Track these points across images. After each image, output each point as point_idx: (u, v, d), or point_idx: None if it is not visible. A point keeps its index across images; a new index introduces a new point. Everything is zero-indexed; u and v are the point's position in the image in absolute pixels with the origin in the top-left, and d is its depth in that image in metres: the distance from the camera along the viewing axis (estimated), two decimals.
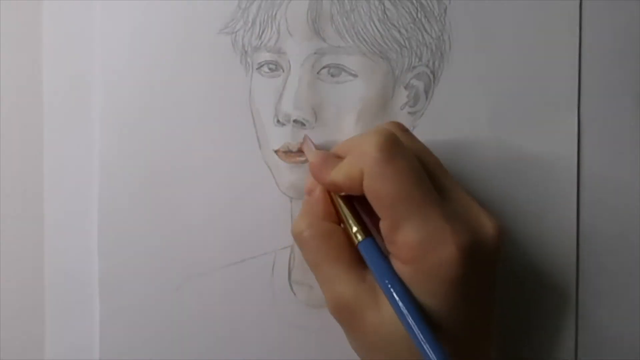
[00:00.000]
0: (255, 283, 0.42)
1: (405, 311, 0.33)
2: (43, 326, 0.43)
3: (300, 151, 0.41)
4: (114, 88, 0.42)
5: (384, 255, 0.35)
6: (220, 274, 0.42)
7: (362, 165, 0.35)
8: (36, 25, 0.43)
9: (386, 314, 0.34)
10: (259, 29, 0.41)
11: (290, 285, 0.42)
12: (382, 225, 0.35)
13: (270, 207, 0.42)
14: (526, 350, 0.42)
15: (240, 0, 0.42)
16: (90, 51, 0.43)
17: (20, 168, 0.43)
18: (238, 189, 0.42)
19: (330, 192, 0.38)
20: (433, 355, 0.32)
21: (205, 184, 0.42)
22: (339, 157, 0.37)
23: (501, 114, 0.42)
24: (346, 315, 0.36)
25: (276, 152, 0.42)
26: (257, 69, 0.42)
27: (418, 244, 0.33)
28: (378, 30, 0.41)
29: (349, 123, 0.41)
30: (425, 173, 0.35)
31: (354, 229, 0.36)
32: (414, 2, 0.41)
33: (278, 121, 0.41)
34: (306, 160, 0.41)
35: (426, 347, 0.32)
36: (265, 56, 0.41)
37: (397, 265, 0.34)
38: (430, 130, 0.42)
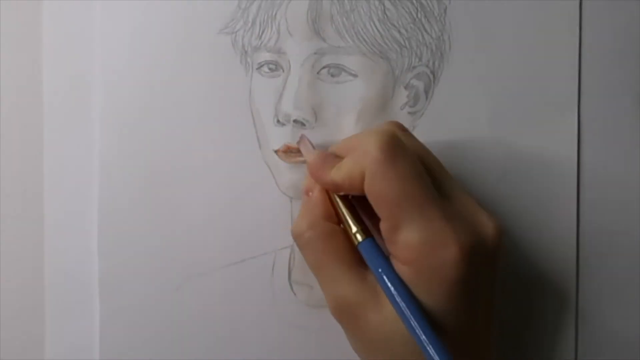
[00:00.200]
0: (255, 283, 0.42)
1: (406, 311, 0.33)
2: (43, 326, 0.43)
3: (299, 151, 0.41)
4: (114, 88, 0.42)
5: (385, 256, 0.35)
6: (220, 274, 0.42)
7: (364, 165, 0.35)
8: (36, 25, 0.43)
9: (387, 314, 0.34)
10: (259, 29, 0.41)
11: (290, 285, 0.42)
12: (383, 225, 0.35)
13: (270, 207, 0.42)
14: (526, 350, 0.42)
15: (240, 0, 0.42)
16: (90, 51, 0.43)
17: (20, 168, 0.43)
18: (238, 189, 0.42)
19: (329, 192, 0.38)
20: (436, 355, 0.32)
21: (205, 184, 0.42)
22: (338, 157, 0.37)
23: (501, 114, 0.42)
24: (347, 316, 0.36)
25: (276, 152, 0.41)
26: (257, 69, 0.42)
27: (419, 245, 0.33)
28: (378, 30, 0.41)
29: (349, 123, 0.41)
30: (427, 174, 0.35)
31: (354, 229, 0.36)
32: (414, 2, 0.41)
33: (278, 121, 0.41)
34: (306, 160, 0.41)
35: (429, 347, 0.32)
36: (265, 56, 0.41)
37: (398, 266, 0.34)
38: (430, 130, 0.42)
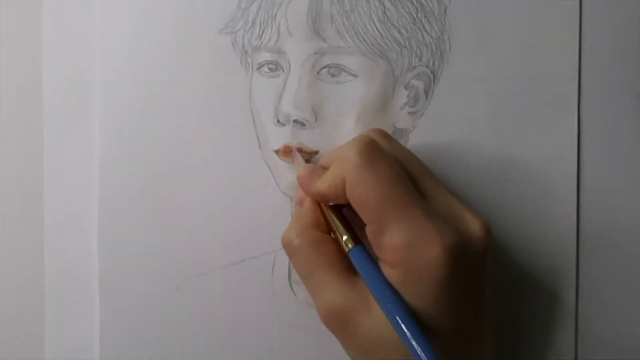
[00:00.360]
0: (255, 283, 0.42)
1: (396, 317, 0.33)
2: (43, 326, 0.43)
3: (299, 151, 0.41)
4: (114, 88, 0.42)
5: (374, 262, 0.35)
6: (220, 274, 0.42)
7: (344, 173, 0.35)
8: (36, 25, 0.43)
9: (377, 319, 0.34)
10: (259, 29, 0.41)
11: (290, 285, 0.42)
12: (368, 230, 0.35)
13: (270, 207, 0.42)
14: (526, 350, 0.42)
15: (240, 0, 0.42)
16: (90, 51, 0.43)
17: (20, 168, 0.43)
18: (238, 189, 0.42)
19: (320, 203, 0.38)
20: (425, 357, 0.32)
21: (205, 184, 0.42)
22: (325, 168, 0.37)
23: (501, 114, 0.42)
24: (338, 323, 0.36)
25: (276, 152, 0.42)
26: (257, 69, 0.42)
27: (404, 246, 0.33)
28: (378, 30, 0.41)
29: (349, 123, 0.41)
30: (408, 176, 0.35)
31: (344, 237, 0.36)
32: (414, 2, 0.41)
33: (278, 121, 0.41)
34: (306, 160, 0.41)
35: (419, 352, 0.32)
36: (265, 56, 0.41)
37: (386, 270, 0.34)
38: (430, 130, 0.42)
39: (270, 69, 0.42)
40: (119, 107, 0.42)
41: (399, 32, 0.41)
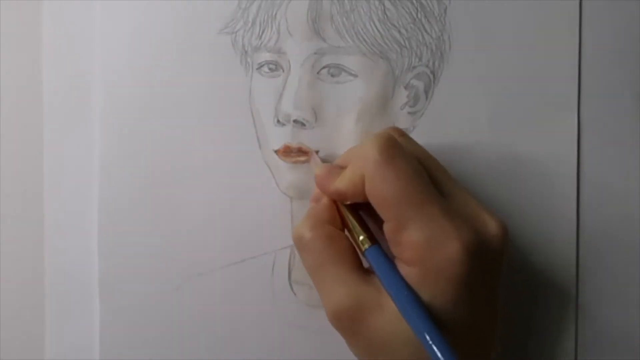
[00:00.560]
0: (255, 283, 0.42)
1: (414, 316, 0.33)
2: (43, 326, 0.43)
3: (300, 151, 0.41)
4: (114, 88, 0.42)
5: (392, 262, 0.35)
6: (220, 274, 0.42)
7: (363, 170, 0.35)
8: (36, 25, 0.43)
9: (390, 316, 0.34)
10: (259, 29, 0.41)
11: (290, 285, 0.42)
12: (386, 227, 0.35)
13: (270, 207, 0.42)
14: (526, 350, 0.42)
15: (240, 0, 0.42)
16: (90, 51, 0.43)
17: (20, 168, 0.43)
18: (238, 189, 0.42)
19: (337, 202, 0.38)
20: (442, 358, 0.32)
21: (205, 184, 0.42)
22: (342, 168, 0.37)
23: (501, 114, 0.42)
24: (347, 320, 0.35)
25: (276, 152, 0.41)
26: (257, 69, 0.42)
27: (423, 244, 0.33)
28: (378, 30, 0.41)
29: (349, 123, 0.41)
30: (426, 173, 0.35)
31: (361, 237, 0.36)
32: (414, 2, 0.41)
33: (278, 121, 0.41)
34: (306, 160, 0.41)
35: (437, 352, 0.32)
36: (265, 56, 0.41)
37: (403, 268, 0.34)
38: (430, 130, 0.42)
39: (270, 69, 0.42)
40: (119, 107, 0.42)
41: (399, 32, 0.41)
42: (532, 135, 0.42)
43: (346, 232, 0.38)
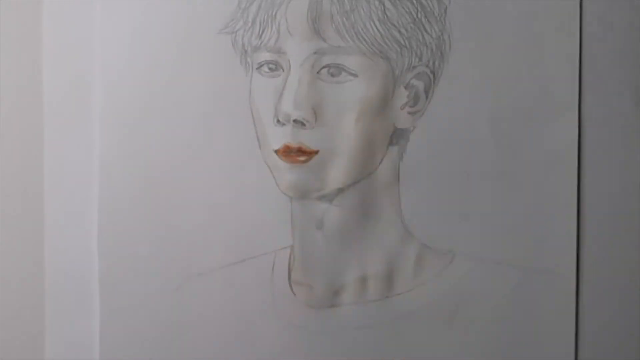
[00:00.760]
0: (255, 283, 0.42)
1: None
2: (43, 326, 0.43)
3: (299, 151, 0.41)
4: (114, 88, 0.42)
5: None
6: (220, 274, 0.42)
7: None
8: (36, 25, 0.43)
9: None
10: (259, 29, 0.41)
11: (290, 285, 0.42)
12: None
13: (270, 207, 0.42)
14: (526, 350, 0.42)
15: (240, 0, 0.42)
16: (90, 51, 0.43)
17: (20, 168, 0.43)
18: (238, 189, 0.42)
19: None
20: None
21: (205, 184, 0.42)
22: None
23: (501, 114, 0.42)
24: None
25: (276, 152, 0.41)
26: (257, 68, 0.42)
27: None
28: (378, 30, 0.41)
29: (349, 123, 0.41)
30: None
31: None
32: (414, 2, 0.41)
33: (278, 121, 0.41)
34: (306, 160, 0.41)
35: None
36: (265, 56, 0.41)
37: None
38: (430, 130, 0.42)
39: (270, 68, 0.41)
40: (119, 107, 0.42)
41: (399, 32, 0.41)
42: (532, 135, 0.42)
43: None
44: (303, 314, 0.42)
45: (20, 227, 0.43)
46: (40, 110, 0.43)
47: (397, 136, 0.41)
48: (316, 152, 0.41)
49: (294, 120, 0.41)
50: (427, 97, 0.42)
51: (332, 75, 0.41)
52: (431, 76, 0.42)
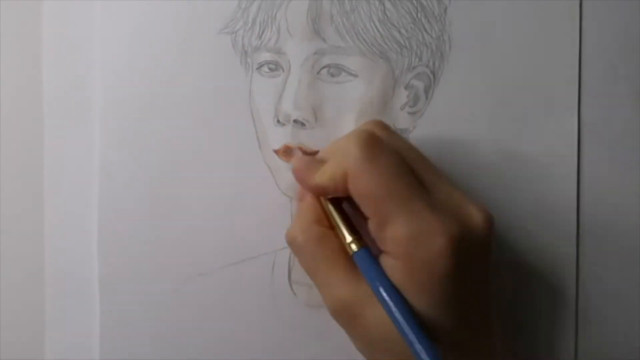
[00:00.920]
0: (255, 283, 0.42)
1: (403, 323, 0.33)
2: (43, 326, 0.43)
3: (299, 151, 0.41)
4: (114, 88, 0.42)
5: (378, 266, 0.35)
6: (220, 274, 0.42)
7: (346, 166, 0.35)
8: (36, 25, 0.43)
9: (384, 311, 0.34)
10: (259, 29, 0.41)
11: (290, 285, 0.42)
12: (370, 223, 0.35)
13: (270, 207, 0.42)
14: (526, 350, 0.42)
15: (240, 0, 0.42)
16: (90, 51, 0.43)
17: (20, 168, 0.43)
18: (238, 189, 0.42)
19: (319, 197, 0.38)
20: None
21: (205, 184, 0.42)
22: (322, 162, 0.37)
23: (501, 114, 0.42)
24: (347, 317, 0.36)
25: (276, 152, 0.41)
26: (257, 69, 0.42)
27: (407, 238, 0.33)
28: (378, 31, 0.41)
29: (349, 123, 0.41)
30: (409, 168, 0.35)
31: (348, 239, 0.36)
32: (414, 2, 0.41)
33: (278, 121, 0.41)
34: None
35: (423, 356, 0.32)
36: (265, 56, 0.41)
37: (389, 262, 0.34)
38: (430, 130, 0.42)
39: (270, 69, 0.42)
40: (119, 107, 0.42)
41: (399, 32, 0.41)
42: (532, 135, 0.42)
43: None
44: (303, 314, 0.42)
45: (20, 227, 0.43)
46: (40, 110, 0.43)
47: None
48: (316, 152, 0.41)
49: (294, 121, 0.41)
50: (427, 98, 0.42)
51: (332, 75, 0.41)
52: (431, 76, 0.42)
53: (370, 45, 0.41)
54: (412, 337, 0.32)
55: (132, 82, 0.42)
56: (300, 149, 0.41)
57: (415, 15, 0.41)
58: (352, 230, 0.37)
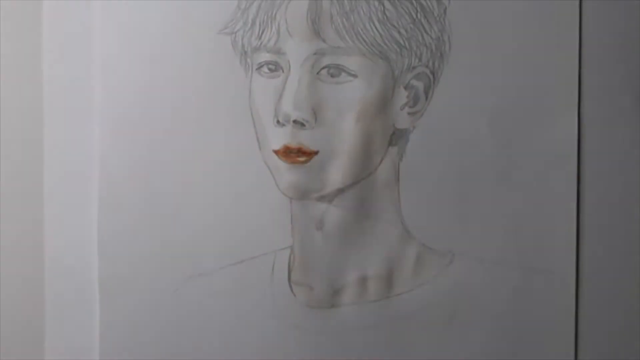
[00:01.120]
0: (255, 283, 0.42)
1: None
2: (43, 326, 0.43)
3: (299, 151, 0.41)
4: (114, 88, 0.42)
5: None
6: (220, 274, 0.42)
7: None
8: (36, 25, 0.43)
9: None
10: (259, 30, 0.41)
11: (290, 285, 0.42)
12: None
13: (270, 207, 0.42)
14: (526, 350, 0.42)
15: (240, 0, 0.42)
16: (90, 51, 0.43)
17: (20, 168, 0.43)
18: (238, 189, 0.42)
19: None
20: None
21: (205, 185, 0.42)
22: None
23: (501, 113, 0.42)
24: None
25: (276, 152, 0.41)
26: (256, 69, 0.42)
27: None
28: (378, 31, 0.41)
29: (348, 123, 0.41)
30: None
31: None
32: (414, 2, 0.41)
33: (278, 122, 0.41)
34: (306, 161, 0.41)
35: None
36: (265, 56, 0.41)
37: None
38: (430, 130, 0.42)
39: (270, 69, 0.41)
40: (118, 107, 0.42)
41: (399, 32, 0.41)
42: (532, 135, 0.42)
43: None
44: (303, 314, 0.42)
45: (20, 227, 0.43)
46: (40, 110, 0.43)
47: (396, 137, 0.41)
48: (316, 153, 0.41)
49: (294, 121, 0.41)
50: (426, 98, 0.42)
51: (332, 75, 0.41)
52: (431, 77, 0.42)
53: (370, 45, 0.41)
54: None
55: (131, 82, 0.42)
56: (300, 149, 0.41)
57: (414, 16, 0.41)
58: None
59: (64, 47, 0.43)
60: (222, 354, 0.42)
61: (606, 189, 0.42)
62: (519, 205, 0.42)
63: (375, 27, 0.41)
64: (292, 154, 0.41)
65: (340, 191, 0.41)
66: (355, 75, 0.41)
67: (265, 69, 0.41)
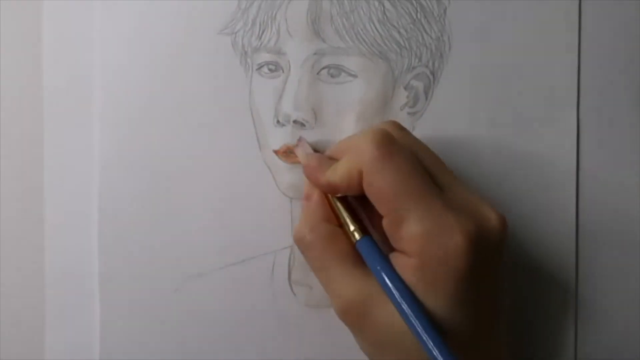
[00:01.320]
0: (255, 283, 0.42)
1: (406, 308, 0.33)
2: (43, 326, 0.43)
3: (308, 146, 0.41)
4: (114, 88, 0.42)
5: (383, 253, 0.35)
6: (220, 274, 0.42)
7: (361, 164, 0.35)
8: (36, 25, 0.43)
9: (395, 311, 0.34)
10: (259, 30, 0.41)
11: (290, 285, 0.42)
12: (385, 222, 0.35)
13: (270, 207, 0.42)
14: (526, 350, 0.43)
15: (240, 0, 0.42)
16: (90, 51, 0.43)
17: (20, 168, 0.43)
18: (238, 189, 0.42)
19: (328, 194, 0.38)
20: (439, 355, 0.31)
21: (206, 184, 0.42)
22: (333, 159, 0.37)
23: (501, 113, 0.42)
24: (354, 316, 0.35)
25: (276, 152, 0.42)
26: (257, 69, 0.42)
27: (423, 235, 0.33)
28: (378, 31, 0.41)
29: (349, 123, 0.41)
30: (424, 168, 0.35)
31: (351, 227, 0.37)
32: (414, 2, 0.41)
33: (278, 122, 0.41)
34: None
35: (431, 346, 0.32)
36: (265, 57, 0.41)
37: (402, 261, 0.34)
38: (430, 130, 0.42)
39: (270, 69, 0.42)
40: (119, 107, 0.42)
41: (399, 32, 0.41)
42: (532, 134, 0.42)
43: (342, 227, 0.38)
44: (303, 314, 0.42)
45: (20, 227, 0.43)
46: (40, 110, 0.43)
47: None
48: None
49: (294, 121, 0.41)
50: (426, 98, 0.42)
51: (332, 76, 0.41)
52: (431, 77, 0.42)
53: (369, 45, 0.41)
54: (424, 335, 0.32)
55: (131, 82, 0.42)
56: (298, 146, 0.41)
57: (414, 16, 0.41)
58: (357, 222, 0.37)
59: (64, 47, 0.43)
60: (222, 354, 0.42)
61: (606, 188, 0.42)
62: (519, 204, 0.42)
63: (375, 28, 0.41)
64: (292, 154, 0.41)
65: None
66: (355, 76, 0.41)
67: (265, 69, 0.42)
